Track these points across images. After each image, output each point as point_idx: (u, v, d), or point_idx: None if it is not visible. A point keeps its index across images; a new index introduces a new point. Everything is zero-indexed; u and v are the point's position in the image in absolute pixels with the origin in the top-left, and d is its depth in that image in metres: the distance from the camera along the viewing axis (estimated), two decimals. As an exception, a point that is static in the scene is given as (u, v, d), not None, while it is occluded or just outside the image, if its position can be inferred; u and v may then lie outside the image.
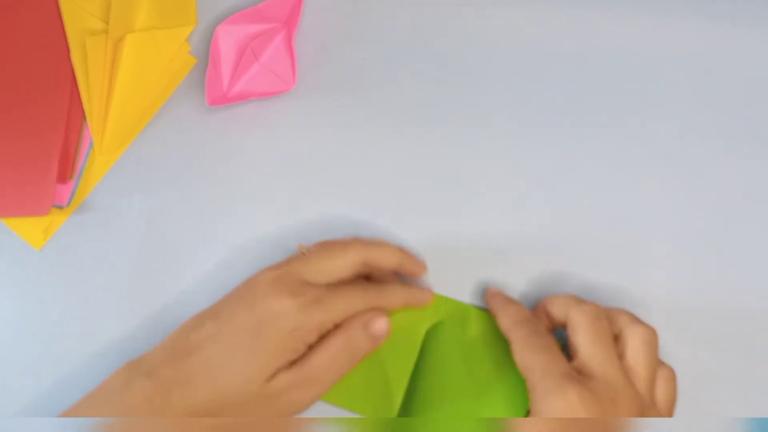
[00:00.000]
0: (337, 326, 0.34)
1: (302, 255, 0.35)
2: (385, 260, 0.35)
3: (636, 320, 0.33)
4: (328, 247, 0.35)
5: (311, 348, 0.33)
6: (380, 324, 0.34)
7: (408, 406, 0.36)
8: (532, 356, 0.32)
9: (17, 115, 0.42)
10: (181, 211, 0.41)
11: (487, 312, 0.37)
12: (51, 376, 0.39)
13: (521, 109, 0.41)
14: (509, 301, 0.36)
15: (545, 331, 0.34)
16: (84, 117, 0.42)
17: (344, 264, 0.34)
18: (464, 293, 0.38)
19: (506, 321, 0.35)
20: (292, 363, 0.33)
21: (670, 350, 0.37)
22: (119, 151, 0.42)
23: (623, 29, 0.42)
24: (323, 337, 0.33)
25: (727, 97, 0.40)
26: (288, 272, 0.34)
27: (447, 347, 0.37)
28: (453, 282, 0.38)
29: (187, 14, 0.43)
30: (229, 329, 0.32)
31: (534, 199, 0.39)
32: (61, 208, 0.41)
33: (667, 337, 0.37)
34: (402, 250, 0.36)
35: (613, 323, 0.34)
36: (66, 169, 0.41)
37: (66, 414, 0.33)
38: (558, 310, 0.34)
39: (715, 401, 0.36)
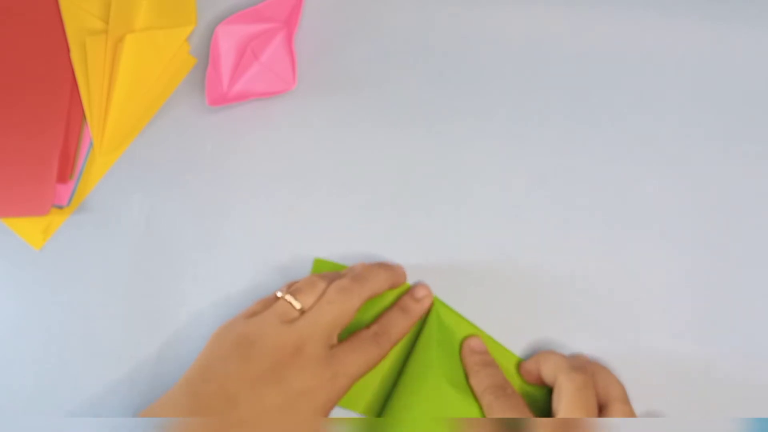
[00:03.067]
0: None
1: (298, 309, 0.35)
2: (379, 289, 0.36)
3: (625, 401, 0.33)
4: (329, 299, 0.34)
5: None
6: None
7: (385, 406, 0.36)
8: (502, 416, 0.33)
9: (17, 115, 0.42)
10: (181, 211, 0.41)
11: (473, 326, 0.38)
12: (51, 376, 0.39)
13: (521, 109, 0.41)
14: (485, 363, 0.36)
15: (515, 395, 0.35)
16: (84, 117, 0.42)
17: (351, 313, 0.35)
18: (464, 293, 0.38)
19: (477, 386, 0.35)
20: None
21: (669, 349, 0.37)
22: (119, 151, 0.42)
23: (623, 29, 0.42)
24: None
25: (727, 97, 0.40)
26: (302, 338, 0.33)
27: (429, 355, 0.36)
28: (453, 281, 0.38)
29: (187, 14, 0.43)
30: (257, 416, 0.31)
31: (534, 199, 0.39)
32: (61, 208, 0.41)
33: (666, 336, 0.37)
34: (387, 267, 0.37)
35: (602, 393, 0.34)
36: (66, 169, 0.41)
37: None
38: (548, 370, 0.35)
39: (715, 401, 0.36)
